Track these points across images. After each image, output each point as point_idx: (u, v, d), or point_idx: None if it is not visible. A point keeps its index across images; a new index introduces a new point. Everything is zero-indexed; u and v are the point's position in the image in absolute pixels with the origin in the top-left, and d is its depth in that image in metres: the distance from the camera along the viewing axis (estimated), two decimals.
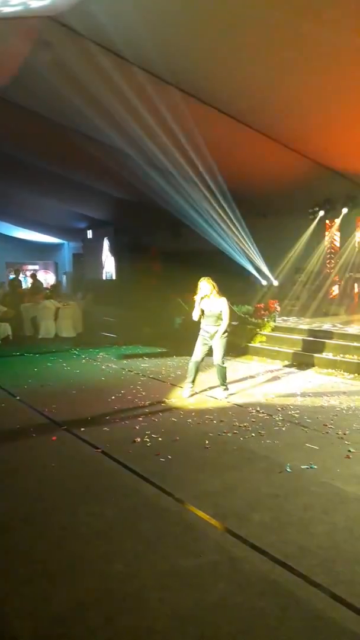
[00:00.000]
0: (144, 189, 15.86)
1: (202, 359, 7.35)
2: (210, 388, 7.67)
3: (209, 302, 7.20)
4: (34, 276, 20.07)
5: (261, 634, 2.63)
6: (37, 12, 7.39)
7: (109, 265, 23.70)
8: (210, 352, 7.33)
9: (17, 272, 20.35)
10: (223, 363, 7.29)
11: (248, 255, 16.72)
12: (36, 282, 18.81)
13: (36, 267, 26.60)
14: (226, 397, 7.21)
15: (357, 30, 6.95)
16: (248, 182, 13.83)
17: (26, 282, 22.29)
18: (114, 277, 23.05)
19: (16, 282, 18.42)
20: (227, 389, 7.35)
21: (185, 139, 11.74)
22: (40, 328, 13.40)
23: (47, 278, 26.26)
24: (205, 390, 7.62)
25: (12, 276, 21.18)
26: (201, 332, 7.33)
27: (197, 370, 7.33)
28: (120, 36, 8.09)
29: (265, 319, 10.87)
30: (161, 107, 10.30)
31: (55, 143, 13.25)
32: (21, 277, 21.51)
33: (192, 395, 7.31)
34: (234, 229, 15.61)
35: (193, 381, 7.35)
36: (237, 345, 10.60)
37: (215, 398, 7.23)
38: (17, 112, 11.44)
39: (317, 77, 8.48)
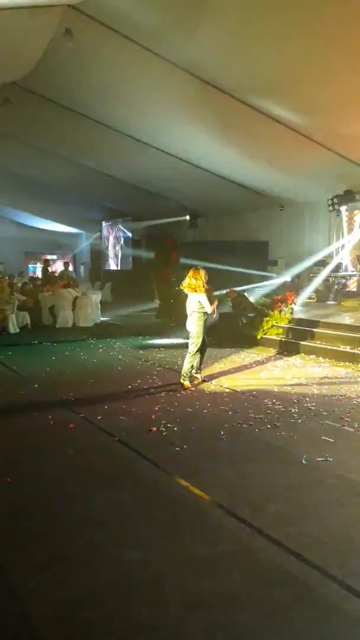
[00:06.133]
0: (163, 179, 15.83)
1: (202, 349, 7.60)
2: (222, 376, 7.67)
3: (190, 297, 7.45)
4: (67, 264, 19.98)
5: (275, 624, 2.64)
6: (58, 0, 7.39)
7: (125, 256, 23.73)
8: (209, 344, 7.78)
9: (46, 263, 20.34)
10: (193, 353, 7.42)
11: (266, 246, 16.64)
12: (67, 272, 18.65)
13: (54, 257, 26.75)
14: (189, 385, 7.37)
15: None
16: (265, 172, 13.72)
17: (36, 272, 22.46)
18: (131, 268, 23.08)
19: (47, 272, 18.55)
20: (186, 379, 7.42)
21: (208, 129, 11.71)
22: (58, 317, 13.49)
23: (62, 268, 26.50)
24: (220, 380, 7.65)
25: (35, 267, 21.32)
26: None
27: (198, 360, 7.62)
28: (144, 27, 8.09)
29: (282, 311, 10.81)
30: (190, 99, 10.31)
31: (75, 131, 13.28)
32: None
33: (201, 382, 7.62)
34: (251, 220, 15.54)
35: (194, 370, 7.60)
36: (253, 337, 10.57)
37: (230, 389, 7.26)
38: (38, 101, 11.47)
39: (344, 68, 8.42)
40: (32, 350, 10.46)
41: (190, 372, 7.47)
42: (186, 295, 7.50)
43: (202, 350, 7.59)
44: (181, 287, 7.58)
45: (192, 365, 7.47)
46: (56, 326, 13.39)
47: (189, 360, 7.40)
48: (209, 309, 7.35)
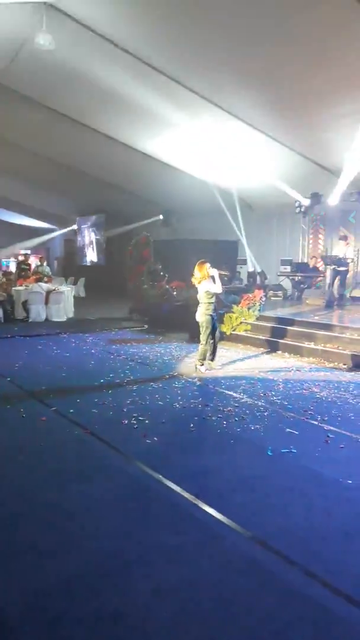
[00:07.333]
0: (138, 178, 15.84)
1: (213, 338, 8.04)
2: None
3: (198, 289, 7.90)
4: (42, 260, 19.66)
5: (239, 610, 2.75)
6: None
7: (99, 252, 23.67)
8: (220, 335, 8.37)
9: (25, 258, 20.09)
10: (205, 342, 7.92)
11: (236, 245, 16.85)
12: (41, 267, 18.40)
13: (28, 252, 26.54)
14: (204, 371, 7.93)
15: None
16: (236, 174, 13.86)
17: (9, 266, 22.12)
18: (104, 264, 23.05)
19: (24, 266, 18.30)
20: (203, 364, 7.99)
21: (180, 130, 11.79)
22: (31, 312, 13.42)
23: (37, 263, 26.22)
24: (190, 374, 7.79)
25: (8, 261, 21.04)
26: None
27: (204, 350, 7.99)
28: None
29: (251, 308, 11.01)
30: (166, 103, 10.37)
31: (50, 129, 13.20)
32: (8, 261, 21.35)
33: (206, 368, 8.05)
34: (222, 220, 15.67)
35: (204, 358, 8.02)
36: (222, 333, 10.73)
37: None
38: (13, 98, 11.38)
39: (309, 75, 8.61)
40: (4, 344, 10.41)
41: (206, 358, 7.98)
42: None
43: (213, 339, 8.00)
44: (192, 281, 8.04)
45: (207, 351, 7.95)
46: (29, 320, 13.33)
47: (201, 350, 7.91)
48: (215, 289, 7.76)
